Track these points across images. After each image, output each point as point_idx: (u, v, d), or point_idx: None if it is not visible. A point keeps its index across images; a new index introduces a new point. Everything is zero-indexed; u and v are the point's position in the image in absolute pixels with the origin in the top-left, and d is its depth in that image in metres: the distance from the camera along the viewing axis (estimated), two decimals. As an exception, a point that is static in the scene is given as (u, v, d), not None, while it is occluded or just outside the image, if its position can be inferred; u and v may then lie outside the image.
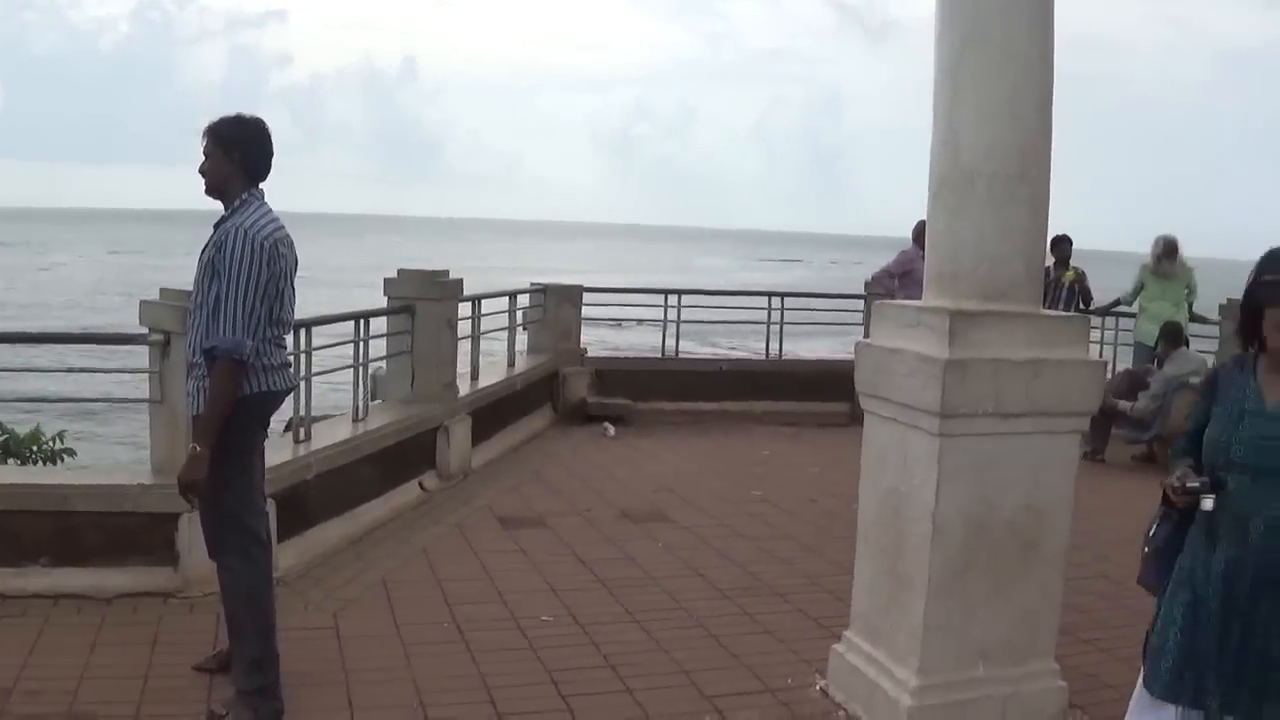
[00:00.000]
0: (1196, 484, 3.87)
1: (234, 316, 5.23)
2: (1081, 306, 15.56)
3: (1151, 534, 4.19)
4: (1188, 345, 14.17)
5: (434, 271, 10.96)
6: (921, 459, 5.26)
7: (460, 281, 11.22)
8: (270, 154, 5.62)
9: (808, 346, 20.08)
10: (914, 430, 5.30)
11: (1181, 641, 4.01)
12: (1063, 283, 15.39)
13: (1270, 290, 3.73)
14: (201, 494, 5.34)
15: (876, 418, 5.65)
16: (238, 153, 5.48)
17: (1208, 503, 3.85)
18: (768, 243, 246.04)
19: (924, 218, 5.81)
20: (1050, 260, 15.27)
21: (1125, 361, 16.01)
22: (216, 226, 5.46)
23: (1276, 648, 3.73)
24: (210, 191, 5.54)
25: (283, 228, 5.54)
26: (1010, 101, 5.31)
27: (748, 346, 24.36)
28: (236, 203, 5.46)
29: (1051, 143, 5.50)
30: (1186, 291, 15.48)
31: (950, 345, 5.11)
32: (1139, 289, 15.59)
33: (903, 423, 5.38)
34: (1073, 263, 15.73)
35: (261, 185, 5.60)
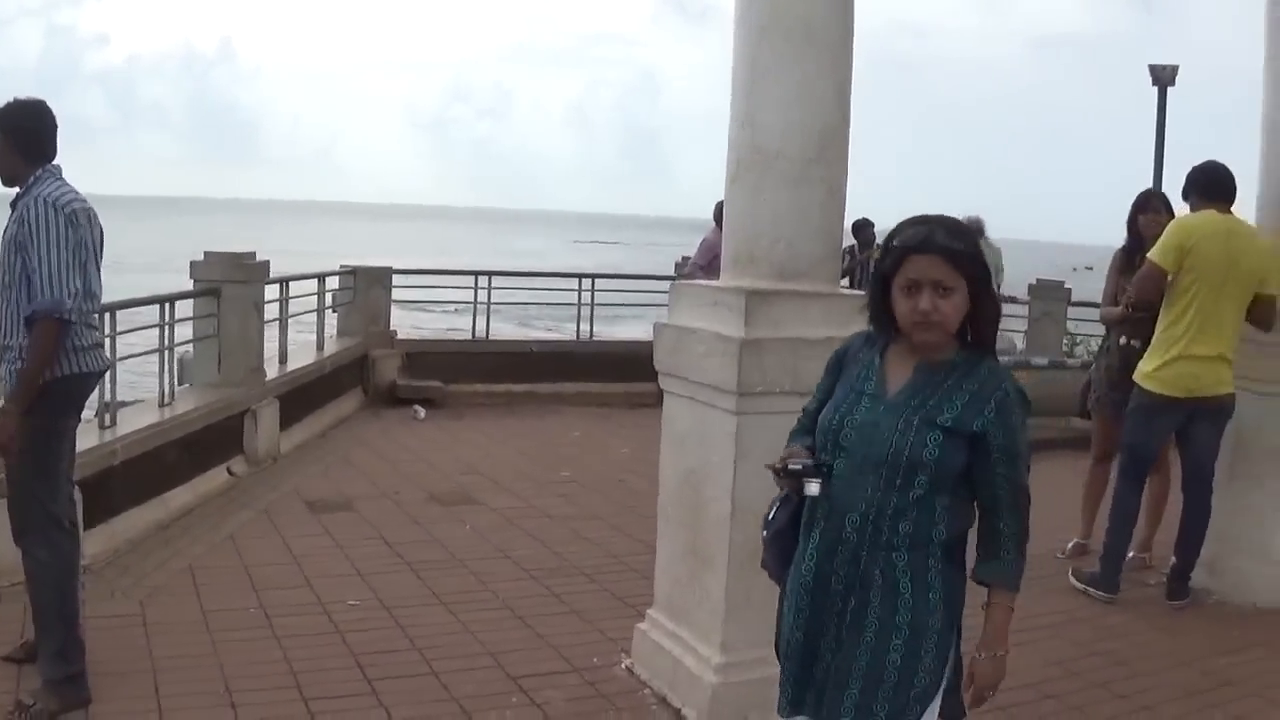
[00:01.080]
0: (799, 466, 3.55)
1: (49, 279, 5.15)
2: None
3: (771, 516, 3.82)
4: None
5: (240, 254, 10.83)
6: (719, 438, 5.30)
7: (267, 264, 11.10)
8: (52, 132, 5.54)
9: (620, 328, 20.17)
10: (712, 409, 5.33)
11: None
12: (871, 260, 15.61)
13: (893, 257, 3.48)
14: (10, 468, 5.26)
15: (675, 397, 5.68)
16: (15, 137, 5.42)
17: (812, 487, 3.51)
18: (588, 225, 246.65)
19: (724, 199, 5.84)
20: (853, 243, 15.55)
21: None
22: (14, 205, 5.37)
23: (858, 654, 3.46)
24: (4, 182, 5.49)
25: (84, 200, 5.44)
26: (808, 84, 5.37)
27: (563, 328, 24.42)
28: (31, 180, 5.37)
29: (850, 125, 5.57)
30: (994, 271, 15.66)
31: (746, 325, 5.15)
32: None
33: (701, 402, 5.42)
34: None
35: (58, 163, 5.49)
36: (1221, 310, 7.33)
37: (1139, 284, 7.62)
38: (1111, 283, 8.30)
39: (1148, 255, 7.53)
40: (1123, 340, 8.06)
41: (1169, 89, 23.29)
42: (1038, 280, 17.17)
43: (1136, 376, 7.60)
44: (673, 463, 5.74)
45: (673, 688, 5.62)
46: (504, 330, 18.75)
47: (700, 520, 5.48)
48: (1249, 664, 6.75)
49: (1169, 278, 7.37)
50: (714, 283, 5.72)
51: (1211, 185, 7.60)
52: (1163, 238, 7.49)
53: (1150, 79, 23.46)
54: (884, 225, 15.89)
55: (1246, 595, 7.77)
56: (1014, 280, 17.03)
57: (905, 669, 3.41)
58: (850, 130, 5.58)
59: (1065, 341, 17.48)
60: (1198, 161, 7.79)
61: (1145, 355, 7.60)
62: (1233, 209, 7.61)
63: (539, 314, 29.84)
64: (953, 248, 3.40)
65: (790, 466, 3.55)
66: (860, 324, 5.47)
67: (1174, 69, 23.41)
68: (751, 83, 5.41)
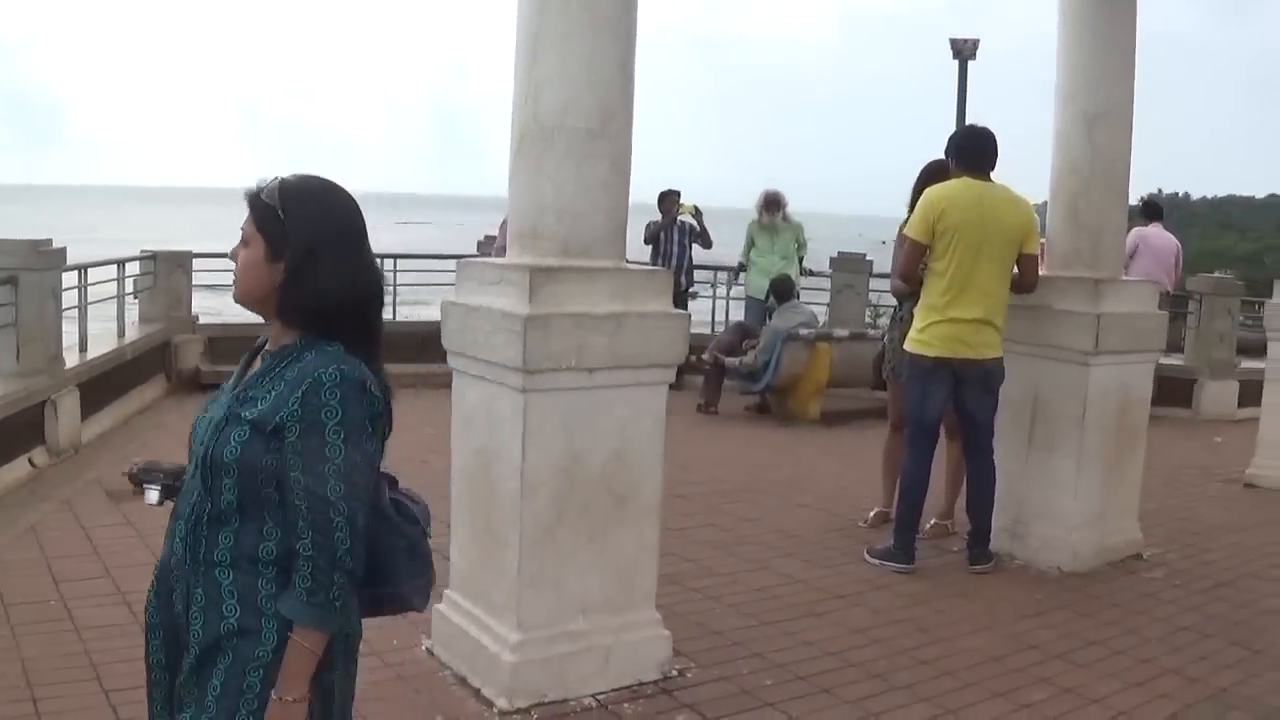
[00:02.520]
0: (134, 469, 3.19)
1: None
2: (701, 246, 16.01)
3: None
4: (798, 298, 14.62)
5: (36, 241, 10.57)
6: (508, 416, 5.33)
7: (64, 250, 10.87)
8: None
9: (426, 308, 20.12)
10: (499, 387, 5.36)
11: None
12: (678, 219, 15.74)
13: None
14: None
15: (464, 376, 5.71)
16: None
17: (150, 495, 3.15)
18: (399, 205, 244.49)
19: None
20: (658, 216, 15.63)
21: (738, 315, 16.48)
22: None
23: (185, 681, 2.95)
24: None
25: None
26: (591, 59, 5.40)
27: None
28: None
29: (633, 100, 5.62)
30: (796, 245, 15.97)
31: (531, 301, 5.17)
32: (750, 244, 16.05)
33: (489, 380, 5.44)
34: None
35: None
36: (981, 274, 7.58)
37: (901, 258, 7.84)
38: (898, 255, 8.44)
39: (903, 230, 7.71)
40: (914, 310, 8.21)
41: (970, 62, 23.66)
42: (839, 253, 17.39)
43: (905, 344, 7.83)
44: (463, 442, 5.75)
45: (472, 668, 5.64)
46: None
47: (492, 499, 5.50)
48: (1052, 627, 6.94)
49: (926, 248, 7.60)
50: (499, 260, 5.72)
51: (966, 152, 7.90)
52: (914, 210, 7.74)
53: (951, 52, 23.81)
54: (691, 198, 15.97)
55: (1050, 559, 8.01)
56: (818, 253, 17.30)
57: (223, 707, 2.86)
58: (634, 104, 5.62)
59: (868, 313, 17.78)
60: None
61: (913, 322, 7.81)
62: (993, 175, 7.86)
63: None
64: (251, 196, 2.99)
65: (130, 471, 3.19)
66: (647, 299, 5.53)
67: (975, 42, 23.79)
68: (534, 57, 5.43)
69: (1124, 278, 8.75)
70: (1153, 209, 16.69)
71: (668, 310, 5.61)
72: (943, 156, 8.39)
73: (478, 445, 5.58)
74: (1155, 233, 15.66)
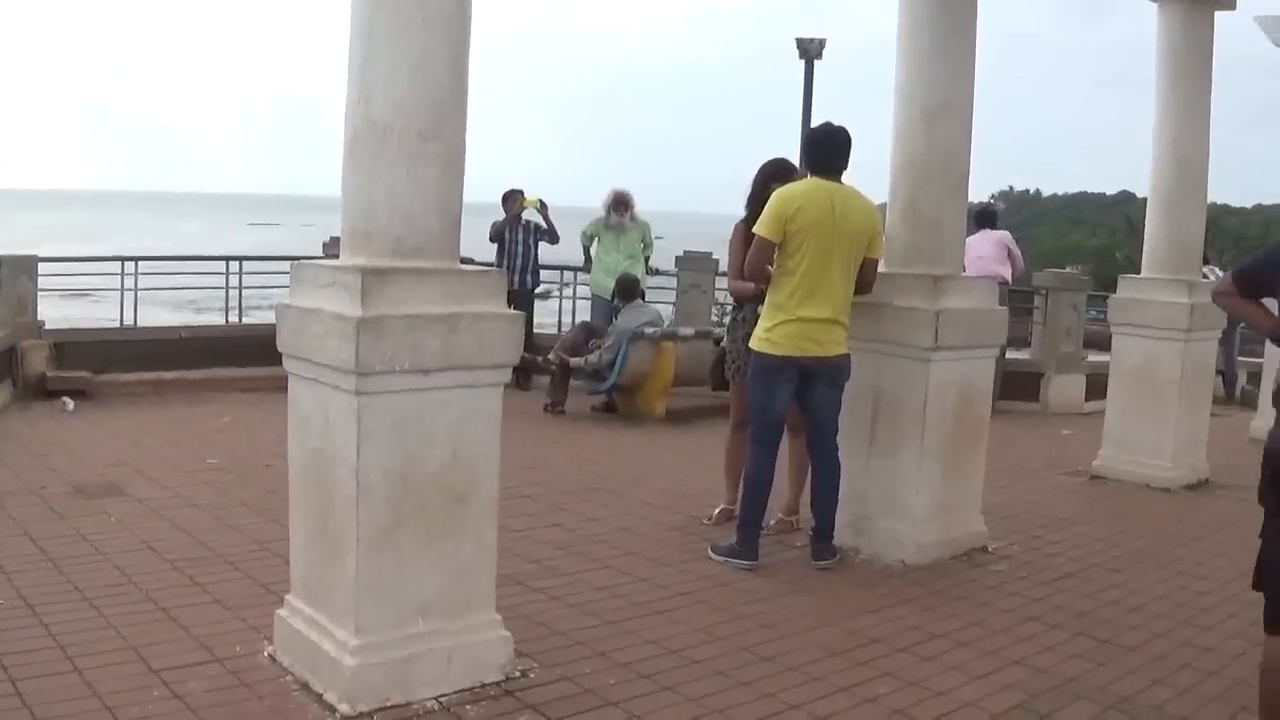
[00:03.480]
0: None
1: None
2: (548, 242, 16.10)
3: None
4: (643, 298, 14.72)
5: (-127, 248, 10.38)
6: (342, 418, 5.33)
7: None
8: None
9: (271, 312, 19.96)
10: (334, 390, 5.37)
11: None
12: (524, 218, 15.82)
13: None
14: None
15: (299, 379, 5.69)
16: None
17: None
18: (249, 205, 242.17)
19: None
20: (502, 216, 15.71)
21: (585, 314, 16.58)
22: None
23: None
24: None
25: None
26: (424, 58, 5.40)
27: (214, 314, 24.08)
28: None
29: (467, 99, 5.63)
30: (643, 245, 16.11)
31: (363, 303, 5.18)
32: (592, 239, 16.19)
33: (323, 383, 5.44)
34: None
35: None
36: (830, 274, 7.70)
37: (752, 258, 7.92)
38: (736, 255, 8.51)
39: (753, 229, 7.80)
40: (759, 310, 8.29)
41: (816, 61, 23.87)
42: (685, 252, 17.52)
43: (751, 342, 7.94)
44: (300, 446, 5.74)
45: (314, 673, 5.62)
46: (155, 317, 18.36)
47: (328, 503, 5.50)
48: (896, 621, 7.05)
49: (776, 248, 7.71)
50: (333, 262, 5.70)
51: (818, 153, 8.03)
52: (766, 209, 7.81)
53: (798, 52, 24.03)
54: (545, 196, 16.01)
55: (893, 553, 8.17)
56: (666, 251, 17.42)
57: None
58: (469, 103, 5.64)
59: (715, 312, 17.94)
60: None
61: (759, 321, 7.91)
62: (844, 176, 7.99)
63: (193, 299, 29.32)
64: None
65: None
66: (481, 299, 5.56)
67: (821, 42, 24.01)
68: (366, 56, 5.44)
69: (964, 274, 8.92)
70: (986, 217, 17.14)
71: (501, 311, 5.65)
72: (779, 156, 8.54)
73: (313, 448, 5.58)
74: (978, 239, 16.10)
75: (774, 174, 8.60)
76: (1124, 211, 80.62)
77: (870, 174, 8.45)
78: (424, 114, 5.37)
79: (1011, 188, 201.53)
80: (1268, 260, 5.48)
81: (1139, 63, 11.39)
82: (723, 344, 9.17)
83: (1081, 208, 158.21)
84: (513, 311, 5.80)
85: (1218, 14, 11.43)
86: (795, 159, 9.08)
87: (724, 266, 16.34)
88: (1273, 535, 5.16)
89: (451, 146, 5.49)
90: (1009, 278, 16.13)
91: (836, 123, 8.16)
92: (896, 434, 8.20)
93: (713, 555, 7.99)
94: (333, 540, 5.48)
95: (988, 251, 15.98)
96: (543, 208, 15.83)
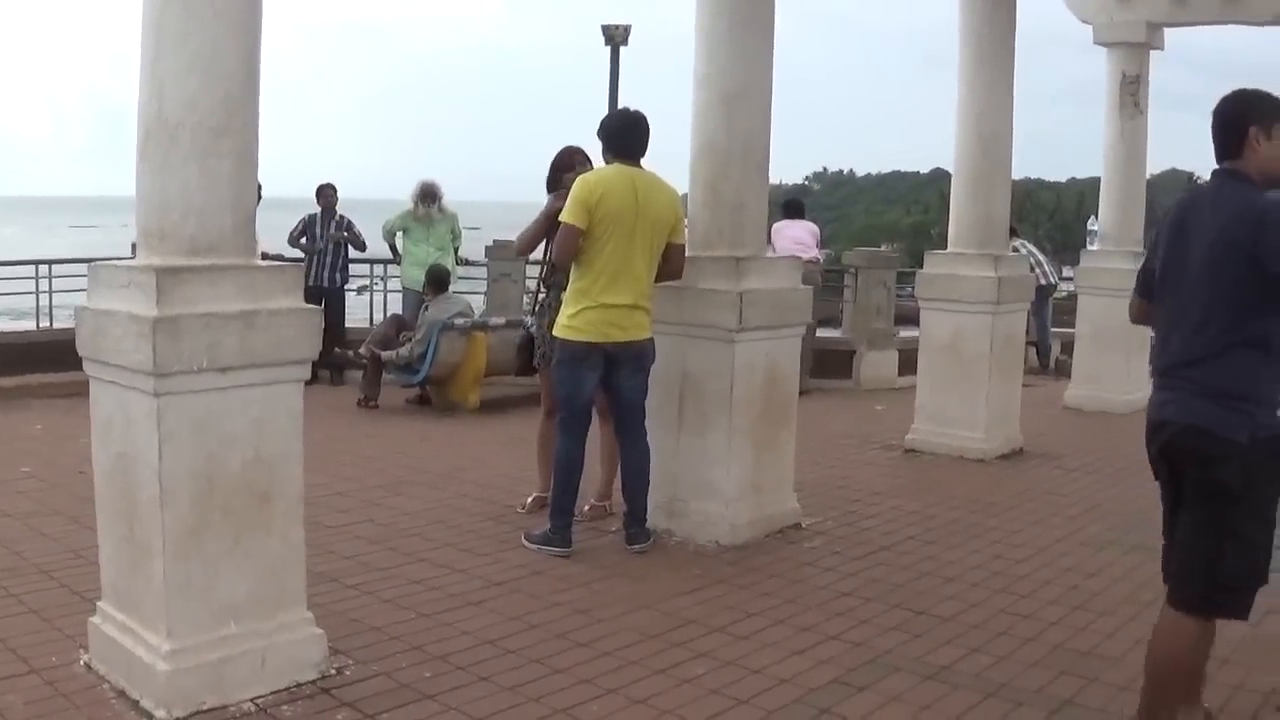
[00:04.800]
0: None
1: None
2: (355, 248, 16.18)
3: None
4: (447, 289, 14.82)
5: None
6: (143, 421, 5.34)
7: None
8: None
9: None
10: (133, 392, 5.38)
11: None
12: (334, 208, 15.90)
13: None
14: None
15: (100, 382, 5.67)
16: None
17: None
18: (67, 208, 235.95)
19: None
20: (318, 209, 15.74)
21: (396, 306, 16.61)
22: None
23: None
24: None
25: None
26: (214, 53, 5.42)
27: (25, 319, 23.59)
28: None
29: (259, 93, 5.65)
30: (452, 236, 16.20)
31: (159, 303, 5.19)
32: (393, 233, 16.28)
33: (123, 385, 5.44)
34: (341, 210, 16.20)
35: None
36: (632, 260, 7.87)
37: (558, 244, 8.04)
38: (536, 224, 8.72)
39: (559, 216, 7.90)
40: (563, 297, 8.39)
41: (622, 48, 24.09)
42: (495, 241, 17.60)
43: (555, 329, 8.07)
44: (104, 450, 5.73)
45: (129, 679, 5.61)
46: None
47: (134, 506, 5.50)
48: (711, 601, 7.21)
49: (583, 233, 7.83)
50: (128, 262, 5.69)
51: (619, 139, 8.18)
52: (570, 195, 7.93)
53: (603, 39, 24.24)
54: (352, 193, 15.97)
55: (707, 534, 8.34)
56: (477, 239, 17.45)
57: None
58: (260, 98, 5.66)
59: (526, 300, 18.07)
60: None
61: (562, 307, 8.04)
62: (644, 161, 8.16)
63: (10, 307, 28.64)
64: None
65: None
66: (278, 295, 5.60)
67: (627, 28, 24.25)
68: (157, 52, 5.43)
69: (769, 255, 9.11)
70: (792, 207, 17.56)
71: (298, 306, 5.69)
72: (571, 145, 8.69)
73: (117, 452, 5.58)
74: (787, 224, 16.87)
75: (563, 161, 8.84)
76: (938, 189, 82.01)
77: (679, 160, 8.62)
78: (216, 109, 5.39)
79: (825, 168, 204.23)
80: (1145, 259, 5.69)
81: (952, 42, 11.70)
82: (529, 329, 9.24)
83: (896, 186, 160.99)
84: (310, 306, 5.84)
85: (1024, -7, 11.80)
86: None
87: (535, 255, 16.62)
88: (1163, 498, 5.41)
89: (244, 141, 5.52)
90: (820, 259, 16.59)
91: (634, 108, 8.36)
92: (705, 416, 8.38)
93: (527, 543, 8.09)
94: (139, 545, 5.49)
95: (802, 237, 16.40)
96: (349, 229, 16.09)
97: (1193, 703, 5.32)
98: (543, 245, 8.86)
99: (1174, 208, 5.46)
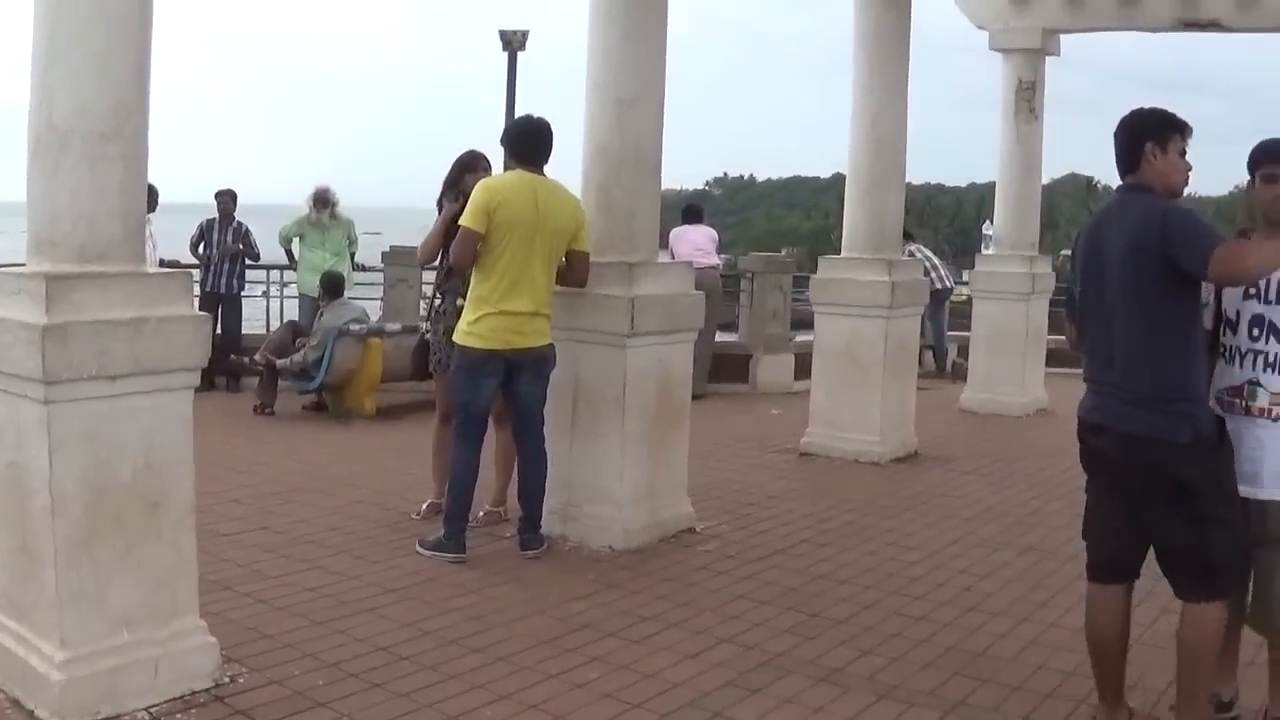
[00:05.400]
0: None
1: None
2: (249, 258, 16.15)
3: None
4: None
5: None
6: (33, 429, 5.35)
7: None
8: None
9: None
10: (24, 400, 5.38)
11: None
12: (232, 214, 15.90)
13: None
14: None
15: (-9, 390, 5.64)
16: None
17: None
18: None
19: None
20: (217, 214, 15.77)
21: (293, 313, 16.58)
22: None
23: None
24: None
25: None
26: (105, 60, 5.43)
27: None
28: None
29: (149, 101, 5.66)
30: (348, 241, 16.22)
31: (49, 310, 5.21)
32: (290, 239, 16.29)
33: (13, 394, 5.45)
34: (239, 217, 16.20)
35: None
36: (532, 267, 7.95)
37: (456, 248, 8.10)
38: (435, 231, 8.84)
39: (459, 220, 7.98)
40: (459, 303, 8.48)
41: (520, 54, 24.17)
42: (391, 247, 17.60)
43: (455, 335, 8.11)
44: (-3, 459, 5.71)
45: (24, 689, 5.60)
46: None
47: (26, 515, 5.50)
48: (605, 606, 7.30)
49: (481, 239, 7.90)
50: (18, 269, 5.69)
51: (520, 145, 8.29)
52: (470, 200, 8.01)
53: (500, 44, 24.31)
54: (251, 198, 15.94)
55: (601, 539, 8.44)
56: (372, 247, 17.41)
57: None
58: (150, 104, 5.66)
59: (423, 306, 18.09)
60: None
61: (462, 313, 8.10)
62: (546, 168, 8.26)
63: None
64: None
65: None
66: (167, 302, 5.61)
67: (524, 34, 24.33)
68: (49, 59, 5.43)
69: (662, 260, 9.21)
70: (691, 212, 17.74)
71: (187, 313, 5.72)
72: (475, 149, 8.76)
73: (9, 461, 5.56)
74: (686, 229, 17.07)
75: (462, 167, 8.92)
76: (838, 193, 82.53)
77: (575, 166, 8.70)
78: (106, 116, 5.40)
79: (726, 173, 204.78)
80: (1070, 278, 5.90)
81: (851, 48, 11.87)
82: (425, 334, 9.27)
83: (796, 191, 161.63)
84: (199, 313, 5.88)
85: (919, -1, 12.02)
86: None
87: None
88: (1089, 492, 5.68)
89: (134, 147, 5.54)
90: (719, 264, 16.80)
91: (538, 116, 8.44)
92: (598, 421, 8.49)
93: (421, 550, 8.13)
94: (31, 554, 5.49)
95: (700, 242, 16.56)
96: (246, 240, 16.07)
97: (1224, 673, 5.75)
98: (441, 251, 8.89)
99: (1085, 229, 5.76)
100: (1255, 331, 5.45)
